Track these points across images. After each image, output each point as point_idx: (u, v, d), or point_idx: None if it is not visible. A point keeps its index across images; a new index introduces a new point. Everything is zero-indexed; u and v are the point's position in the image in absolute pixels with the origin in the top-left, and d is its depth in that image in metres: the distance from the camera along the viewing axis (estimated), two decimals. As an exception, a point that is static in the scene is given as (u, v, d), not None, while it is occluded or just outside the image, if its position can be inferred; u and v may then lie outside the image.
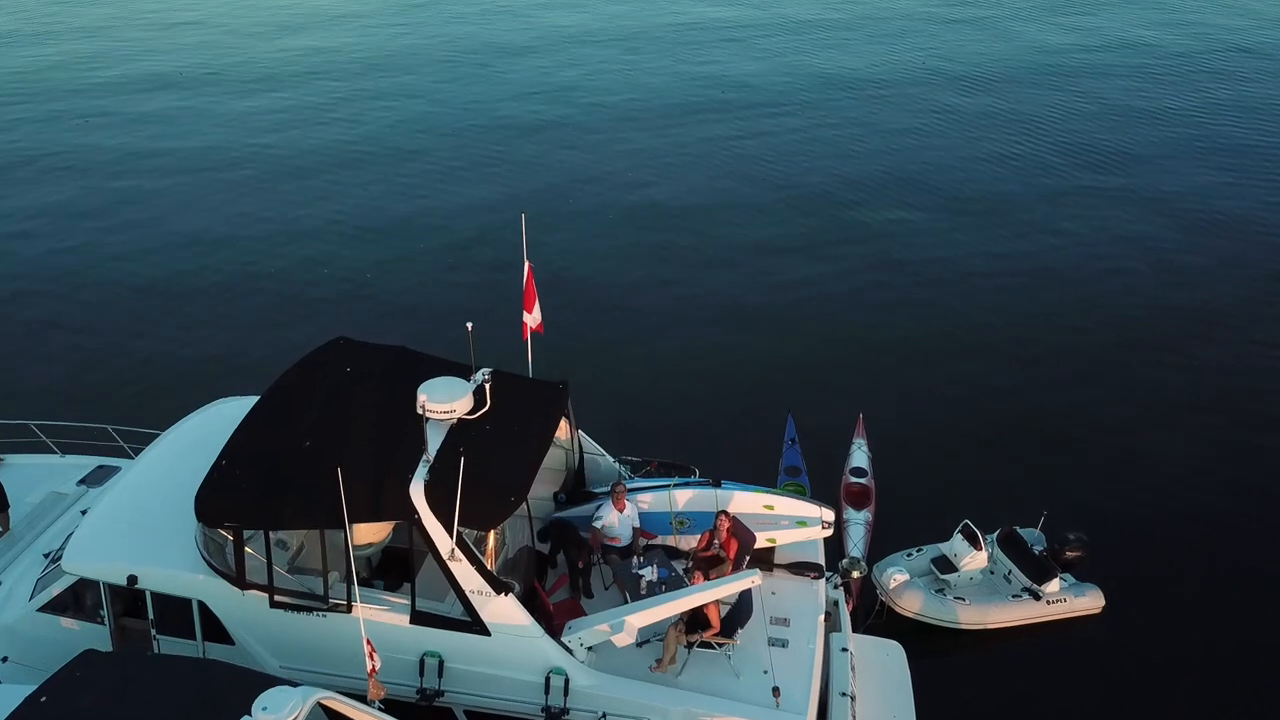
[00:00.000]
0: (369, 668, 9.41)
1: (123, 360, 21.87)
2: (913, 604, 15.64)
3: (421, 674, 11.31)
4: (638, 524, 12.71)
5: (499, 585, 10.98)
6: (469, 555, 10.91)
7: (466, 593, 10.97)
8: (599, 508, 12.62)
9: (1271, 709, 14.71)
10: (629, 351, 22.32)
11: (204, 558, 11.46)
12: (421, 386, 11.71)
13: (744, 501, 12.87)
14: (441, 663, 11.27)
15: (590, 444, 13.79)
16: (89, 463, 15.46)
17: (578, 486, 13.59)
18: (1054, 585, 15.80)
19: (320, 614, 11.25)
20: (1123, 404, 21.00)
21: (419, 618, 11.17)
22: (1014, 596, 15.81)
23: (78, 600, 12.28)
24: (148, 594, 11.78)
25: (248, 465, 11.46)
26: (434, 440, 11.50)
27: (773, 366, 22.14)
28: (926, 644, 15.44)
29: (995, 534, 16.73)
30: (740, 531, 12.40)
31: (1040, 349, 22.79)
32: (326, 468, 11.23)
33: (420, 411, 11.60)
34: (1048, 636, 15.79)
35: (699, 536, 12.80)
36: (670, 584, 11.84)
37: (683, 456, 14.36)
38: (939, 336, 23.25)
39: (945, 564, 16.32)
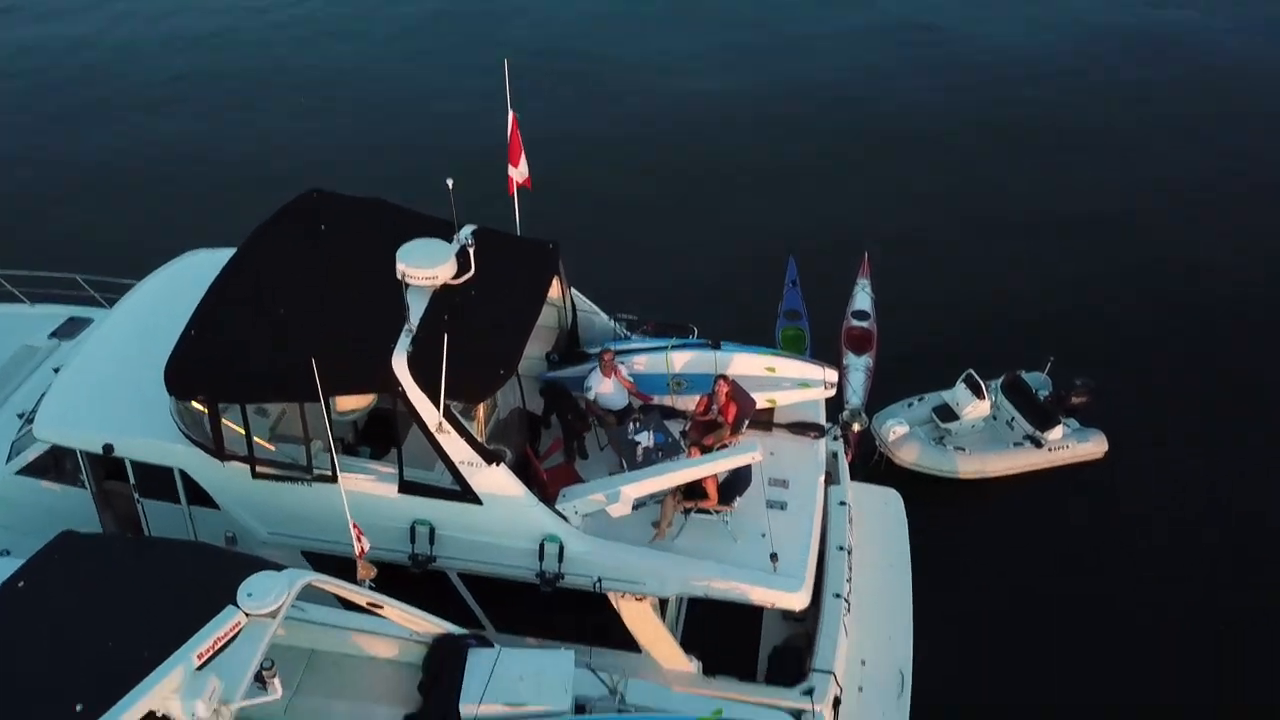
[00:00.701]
0: (356, 550, 9.13)
1: (89, 207, 20.78)
2: (910, 455, 15.45)
3: (413, 540, 11.12)
4: (631, 387, 12.25)
5: (489, 456, 10.59)
6: (457, 427, 10.46)
7: (456, 464, 10.60)
8: (588, 376, 12.10)
9: (1271, 555, 14.75)
10: (623, 205, 21.08)
11: (180, 429, 11.03)
12: (400, 251, 10.92)
13: (744, 364, 12.33)
14: (433, 530, 11.04)
15: (583, 301, 13.11)
16: (60, 313, 14.82)
17: (570, 346, 13.01)
18: (1056, 433, 15.56)
19: (305, 483, 10.94)
20: (1140, 249, 20.18)
21: (407, 487, 10.84)
22: (1015, 444, 15.60)
23: (56, 464, 11.95)
24: (127, 461, 11.45)
25: (219, 334, 10.83)
26: (416, 308, 10.82)
27: (774, 208, 21.19)
28: (925, 493, 15.31)
29: (999, 380, 16.36)
30: (739, 396, 11.91)
31: (1052, 198, 21.76)
32: (303, 337, 10.62)
33: (400, 278, 10.88)
34: (1048, 483, 15.71)
35: (696, 399, 12.37)
36: (667, 449, 11.47)
37: (681, 315, 13.74)
38: (949, 176, 22.18)
39: (946, 412, 16.03)
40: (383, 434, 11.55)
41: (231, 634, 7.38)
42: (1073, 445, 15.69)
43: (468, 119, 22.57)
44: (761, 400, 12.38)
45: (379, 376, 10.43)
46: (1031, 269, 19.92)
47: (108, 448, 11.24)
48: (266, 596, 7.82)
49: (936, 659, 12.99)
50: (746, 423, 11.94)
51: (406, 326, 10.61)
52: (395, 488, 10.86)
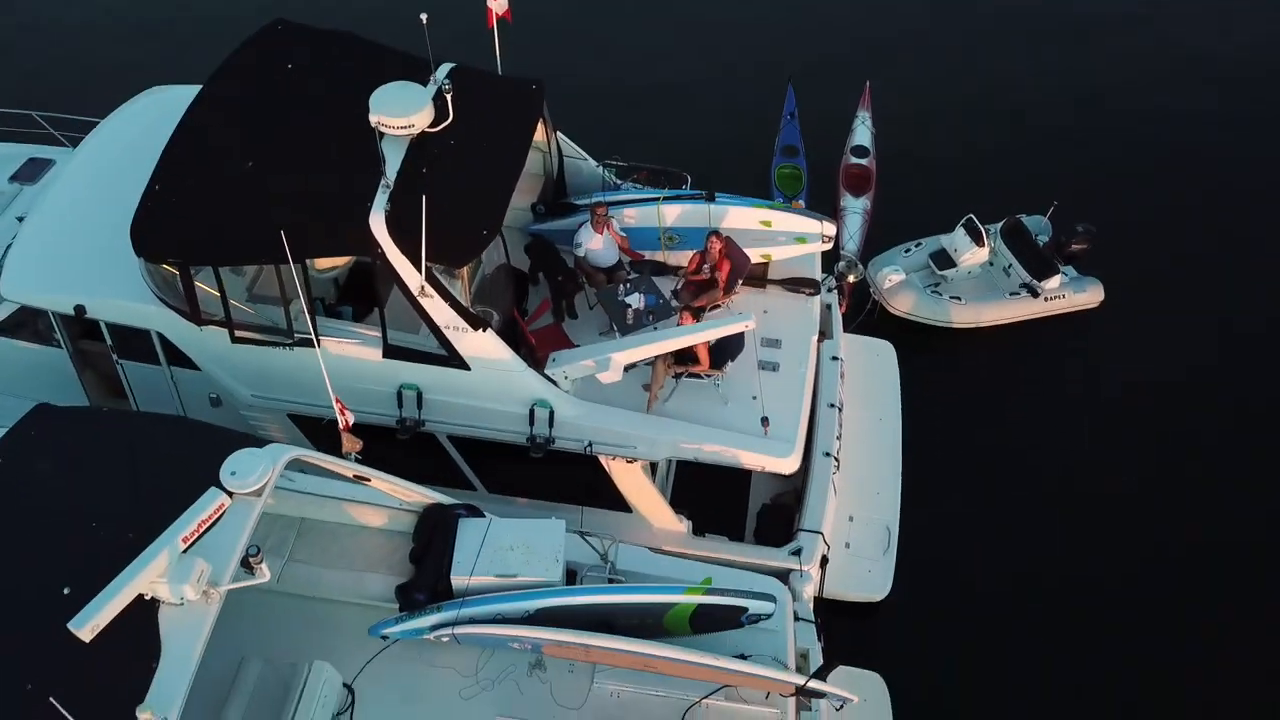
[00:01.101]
0: (340, 424, 8.91)
1: (42, 43, 19.21)
2: (905, 304, 15.14)
3: (400, 405, 10.93)
4: (623, 243, 11.77)
5: (475, 320, 10.25)
6: (440, 291, 10.05)
7: (440, 328, 10.26)
8: (578, 231, 11.58)
9: (1261, 418, 14.76)
10: (611, 39, 19.53)
11: (153, 291, 10.59)
12: (373, 98, 10.15)
13: (739, 217, 11.82)
14: (420, 394, 10.85)
15: (570, 146, 12.42)
16: (18, 154, 13.98)
17: (557, 195, 12.43)
18: (1054, 282, 15.22)
19: (286, 347, 10.62)
20: (1155, 93, 19.05)
21: (391, 352, 10.55)
22: (1011, 294, 15.28)
23: (29, 324, 11.56)
24: (101, 323, 11.07)
25: (185, 190, 10.21)
26: (392, 160, 10.18)
27: (773, 36, 19.83)
28: (918, 342, 15.12)
29: (999, 224, 15.87)
30: (733, 253, 11.48)
31: (1070, 30, 20.30)
32: (273, 195, 10.04)
33: (374, 127, 10.18)
34: (1042, 331, 15.47)
35: (689, 255, 11.93)
36: (658, 311, 11.14)
37: (675, 159, 13.07)
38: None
39: (944, 259, 15.61)
40: (365, 291, 11.15)
41: (216, 515, 7.26)
42: (1069, 295, 15.38)
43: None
44: (756, 255, 11.96)
45: (357, 238, 9.93)
46: (1043, 105, 18.89)
47: (79, 309, 10.83)
48: (250, 475, 7.65)
49: (924, 514, 13.20)
50: (740, 281, 11.60)
51: (383, 182, 10.01)
52: (379, 352, 10.57)
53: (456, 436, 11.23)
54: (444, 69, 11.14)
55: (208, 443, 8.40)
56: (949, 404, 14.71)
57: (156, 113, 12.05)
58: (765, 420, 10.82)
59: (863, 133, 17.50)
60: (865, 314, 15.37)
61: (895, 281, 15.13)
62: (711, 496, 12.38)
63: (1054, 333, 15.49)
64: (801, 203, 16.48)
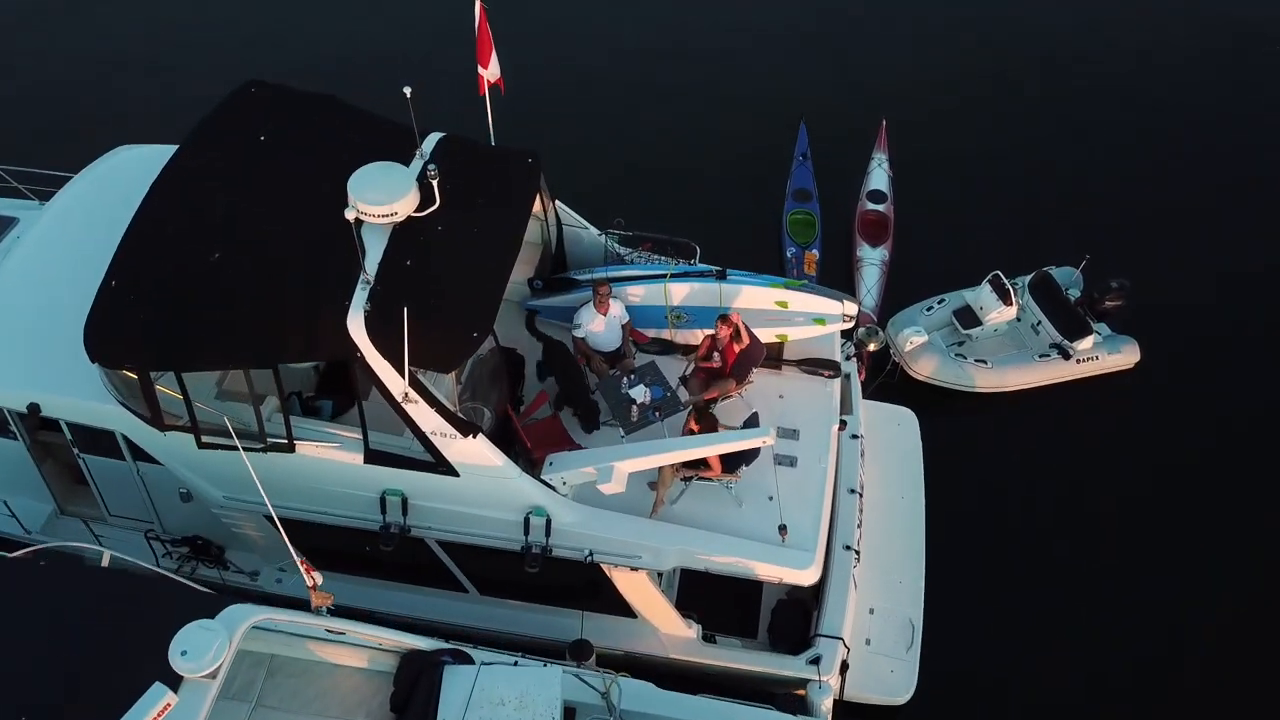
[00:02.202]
0: (308, 582, 8.02)
1: (6, 93, 18.08)
2: (927, 367, 14.19)
3: (384, 511, 10.05)
4: (626, 323, 10.85)
5: (465, 427, 9.34)
6: (425, 396, 9.14)
7: (427, 435, 9.37)
8: (578, 312, 10.66)
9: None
10: (610, 97, 18.05)
11: (112, 394, 9.69)
12: (351, 181, 9.21)
13: (753, 297, 10.88)
14: (405, 500, 9.97)
15: (570, 215, 11.50)
16: None
17: (556, 268, 11.54)
18: (1086, 343, 14.26)
19: (259, 452, 9.73)
20: (1194, 139, 17.83)
21: (374, 457, 9.65)
22: (1041, 356, 14.32)
23: (-16, 414, 10.72)
24: (60, 420, 10.19)
25: (143, 287, 9.28)
26: (372, 251, 9.26)
27: (783, 71, 18.64)
28: (940, 407, 14.18)
29: (1028, 277, 14.92)
30: (745, 338, 10.56)
31: (1102, 59, 19.10)
32: (240, 292, 9.12)
33: (352, 213, 9.26)
34: (1072, 394, 14.48)
35: (698, 335, 11.02)
36: (665, 406, 10.22)
37: (681, 224, 12.09)
38: (985, 26, 19.64)
39: (968, 317, 14.64)
40: (347, 382, 10.24)
41: (162, 713, 6.37)
42: (1103, 356, 14.42)
43: (428, 8, 19.25)
44: (770, 335, 11.05)
45: (333, 340, 9.00)
46: (1074, 149, 17.70)
47: (34, 408, 9.94)
48: (203, 655, 6.78)
49: (949, 602, 12.29)
50: (754, 369, 10.67)
51: (362, 278, 9.09)
52: (360, 457, 9.68)
53: (448, 543, 10.36)
54: (431, 140, 10.21)
55: (158, 607, 7.45)
56: (974, 477, 13.74)
57: (124, 177, 11.15)
58: (783, 528, 9.92)
59: (879, 176, 16.54)
60: (885, 375, 14.42)
61: (917, 344, 14.18)
62: (722, 590, 11.47)
63: (1085, 396, 14.51)
64: (815, 254, 15.57)
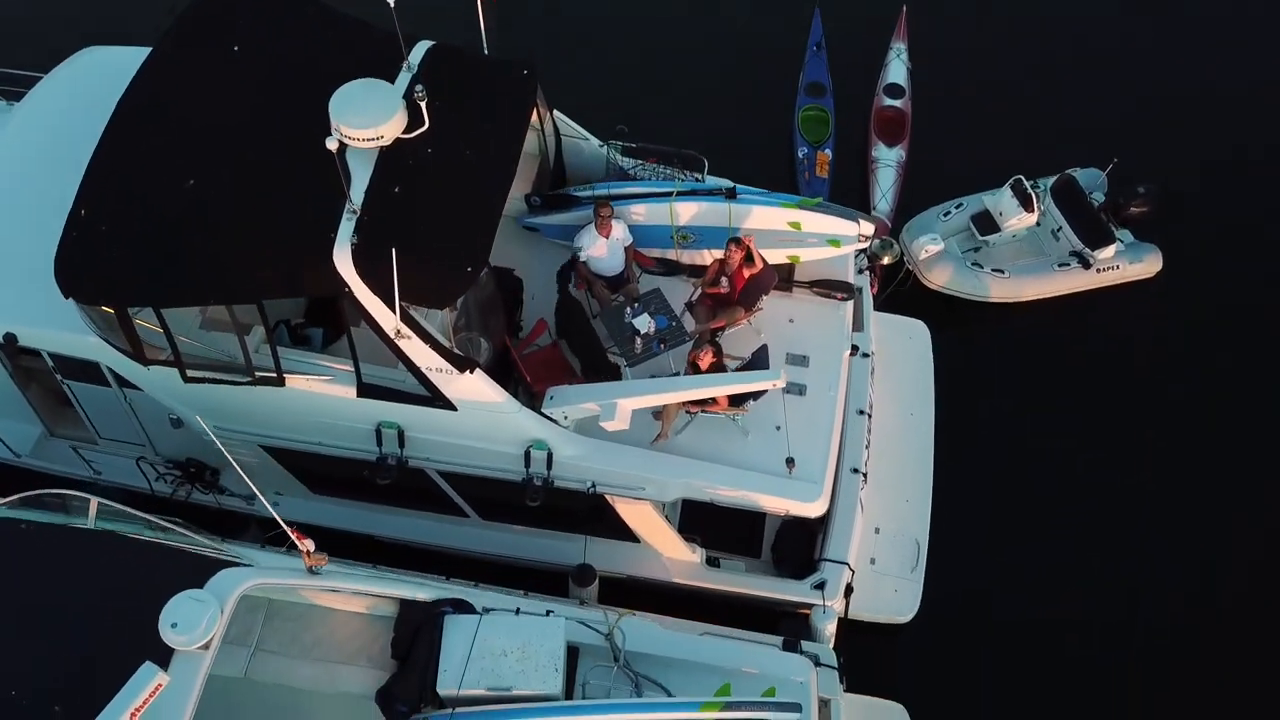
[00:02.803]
0: (300, 548, 7.72)
1: None
2: (941, 277, 13.64)
3: (380, 443, 9.76)
4: (629, 245, 10.30)
5: (461, 362, 8.95)
6: (419, 331, 8.71)
7: (422, 370, 8.98)
8: (579, 234, 10.10)
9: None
10: (612, 17, 16.46)
11: (91, 328, 9.24)
12: (333, 102, 8.55)
13: (763, 217, 10.29)
14: (401, 432, 9.66)
15: (569, 125, 10.80)
16: None
17: (555, 182, 10.91)
18: (1108, 251, 13.66)
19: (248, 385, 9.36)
20: (1237, 34, 16.58)
21: (367, 390, 9.29)
22: (1060, 265, 13.74)
23: (-42, 338, 10.30)
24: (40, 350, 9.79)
25: (116, 217, 8.72)
26: (358, 178, 8.66)
27: None
28: (953, 317, 13.73)
29: (1051, 180, 14.21)
30: (756, 263, 10.04)
31: None
32: (218, 223, 8.57)
33: (335, 136, 8.61)
34: (1090, 304, 13.97)
35: (705, 255, 10.49)
36: (670, 336, 9.80)
37: (688, 112, 11.16)
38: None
39: (987, 222, 14.00)
40: (335, 312, 9.80)
41: (153, 694, 6.19)
42: (1124, 265, 13.83)
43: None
44: (782, 256, 10.55)
45: (320, 276, 8.50)
46: (1107, 42, 16.48)
47: (10, 337, 9.52)
48: (194, 627, 6.56)
49: (955, 523, 12.13)
50: (764, 296, 10.20)
51: (348, 207, 8.52)
52: (353, 390, 9.31)
53: (449, 473, 10.11)
54: (419, 50, 9.44)
55: (147, 575, 7.18)
56: (985, 391, 13.40)
57: (94, 82, 10.41)
58: (790, 461, 9.64)
59: (897, 68, 15.59)
60: (897, 283, 13.91)
61: (933, 252, 13.59)
62: (726, 509, 11.32)
63: (1103, 306, 14.00)
64: (828, 154, 14.82)
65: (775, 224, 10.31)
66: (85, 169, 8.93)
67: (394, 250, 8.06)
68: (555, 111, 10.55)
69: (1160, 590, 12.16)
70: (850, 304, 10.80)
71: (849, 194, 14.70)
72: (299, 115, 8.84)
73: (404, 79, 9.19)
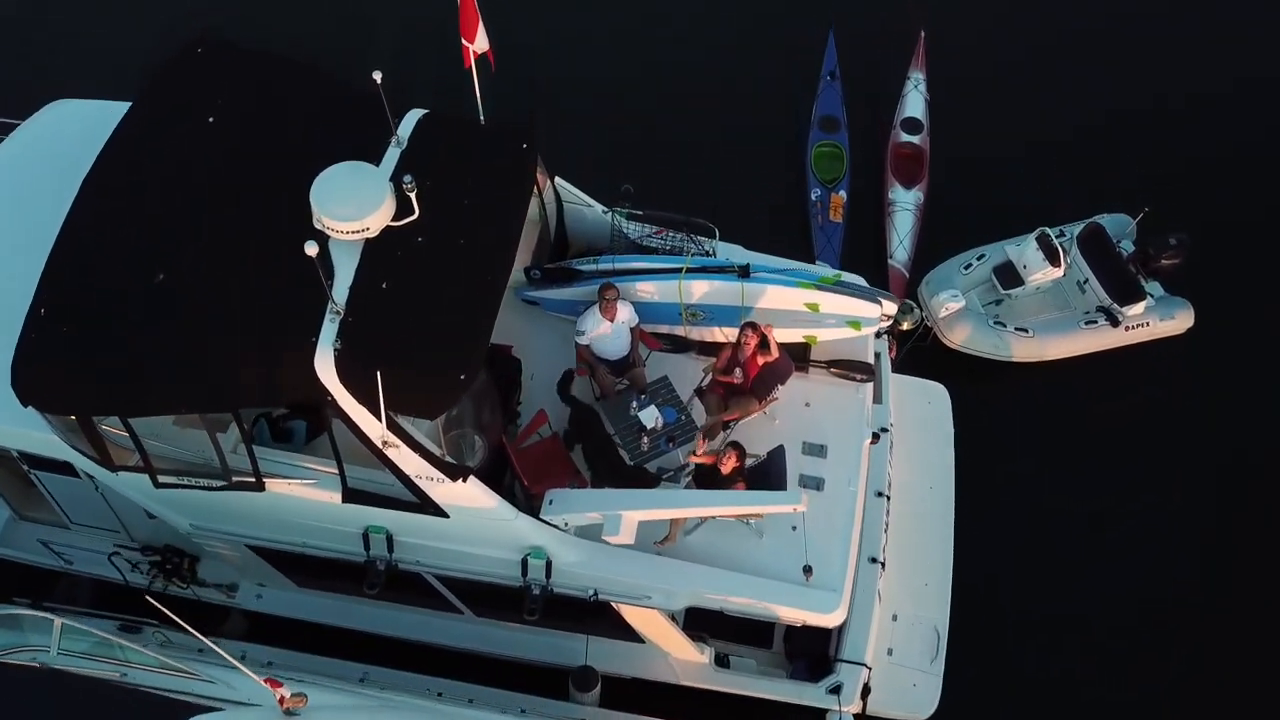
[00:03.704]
0: (276, 698, 7.06)
1: None
2: (962, 335, 12.92)
3: (367, 546, 9.08)
4: (635, 326, 9.57)
5: (453, 471, 8.25)
6: (407, 440, 8.01)
7: (410, 478, 8.28)
8: (582, 317, 9.36)
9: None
10: (612, 67, 15.38)
11: (54, 432, 8.51)
12: (315, 188, 7.79)
13: (779, 297, 9.54)
14: (390, 536, 8.98)
15: (571, 191, 10.05)
16: None
17: (556, 252, 10.17)
18: (1138, 308, 12.95)
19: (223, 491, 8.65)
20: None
21: (353, 496, 8.59)
22: (1087, 322, 13.01)
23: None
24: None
25: (78, 315, 7.93)
26: (342, 272, 7.91)
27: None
28: (973, 377, 13.03)
29: (1077, 228, 13.47)
30: (773, 350, 9.34)
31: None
32: (190, 322, 7.83)
33: (317, 227, 7.86)
34: (1116, 363, 13.26)
35: (717, 332, 9.78)
36: (678, 432, 9.08)
37: (695, 154, 10.34)
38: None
39: (1010, 274, 13.26)
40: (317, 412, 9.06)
41: None
42: (1154, 322, 13.11)
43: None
44: (798, 335, 9.83)
45: (300, 383, 7.77)
46: (1135, 79, 15.51)
47: None
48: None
49: (981, 610, 11.39)
50: (780, 386, 9.50)
51: (330, 308, 7.79)
52: (338, 496, 8.61)
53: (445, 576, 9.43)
54: (410, 121, 8.65)
55: None
56: (1007, 455, 12.70)
57: (64, 138, 9.66)
58: (808, 569, 8.96)
59: (915, 101, 14.82)
60: (915, 340, 13.23)
61: (953, 309, 12.88)
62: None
63: (1132, 364, 13.28)
64: (843, 196, 14.06)
65: (791, 304, 9.57)
66: (47, 258, 8.16)
67: (379, 366, 7.37)
68: (556, 178, 9.81)
69: (1201, 673, 11.50)
70: (870, 385, 10.11)
71: (864, 239, 14.02)
72: (279, 198, 8.08)
73: (392, 155, 8.44)
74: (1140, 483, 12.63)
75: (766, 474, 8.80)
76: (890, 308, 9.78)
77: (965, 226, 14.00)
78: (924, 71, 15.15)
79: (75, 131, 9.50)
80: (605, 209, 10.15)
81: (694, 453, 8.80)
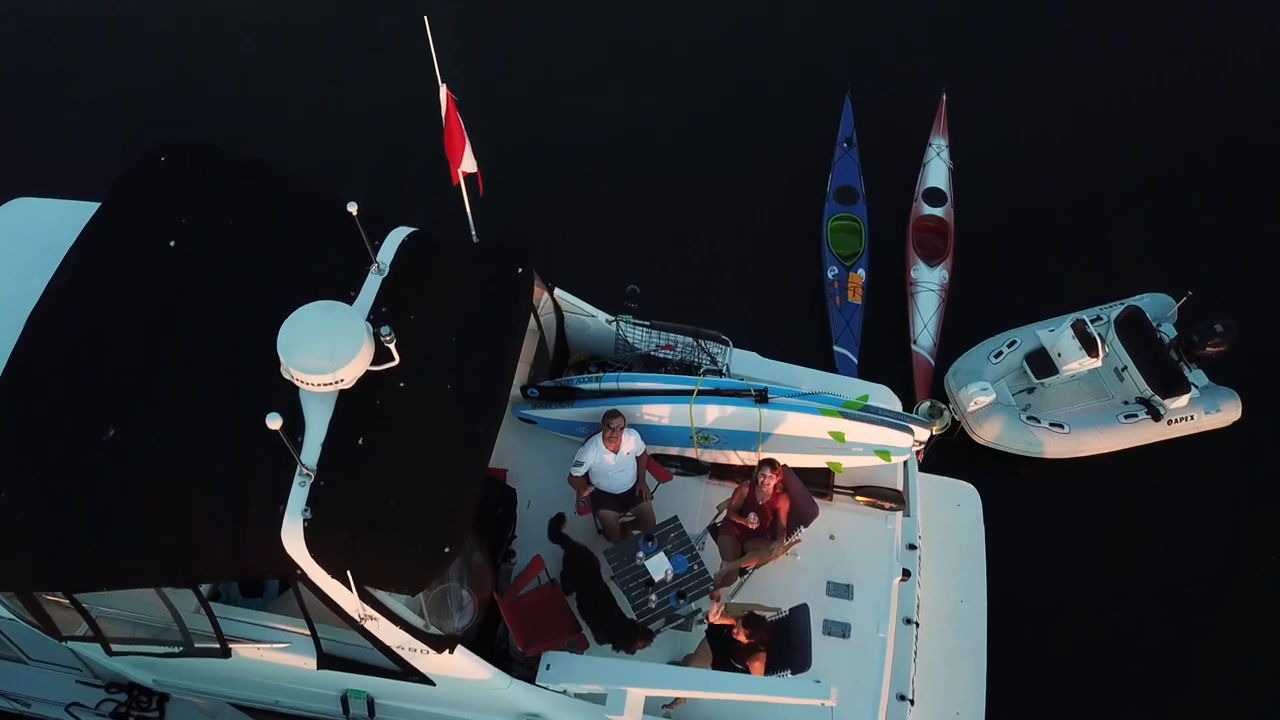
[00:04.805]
0: None
1: None
2: (992, 431, 12.04)
3: (346, 711, 8.22)
4: (643, 455, 8.70)
5: (439, 643, 7.39)
6: (386, 614, 7.16)
7: (393, 650, 7.43)
8: (583, 447, 8.47)
9: None
10: (609, 155, 14.42)
11: (-8, 599, 7.68)
12: (281, 336, 6.93)
13: (800, 426, 8.65)
14: (371, 701, 8.13)
15: (572, 301, 9.20)
16: None
17: (556, 368, 9.32)
18: (1182, 401, 12.07)
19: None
20: None
21: (329, 662, 7.73)
22: (1127, 417, 12.11)
23: None
24: None
25: (19, 479, 7.07)
26: (314, 427, 7.04)
27: (826, 33, 15.54)
28: (1003, 474, 12.16)
29: (1115, 311, 12.59)
30: (794, 491, 8.48)
31: (1227, 52, 15.51)
32: (142, 488, 6.97)
33: (285, 377, 7.02)
34: (1159, 457, 12.34)
35: (732, 455, 8.91)
36: (690, 588, 8.19)
37: (706, 300, 9.73)
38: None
39: (1043, 362, 12.37)
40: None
41: None
42: (1198, 415, 12.24)
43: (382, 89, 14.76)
44: (820, 462, 8.96)
45: (268, 557, 6.90)
46: (1175, 148, 14.56)
47: None
48: None
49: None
50: (804, 528, 8.63)
51: (299, 470, 6.94)
52: (313, 662, 7.75)
53: None
54: (393, 243, 7.80)
55: None
56: (1040, 564, 11.76)
57: (20, 239, 8.85)
58: (832, 728, 8.11)
59: (937, 169, 13.95)
60: (943, 432, 12.34)
61: (983, 404, 11.98)
62: None
63: (1174, 458, 12.39)
64: (861, 275, 13.18)
65: (815, 433, 8.69)
66: None
67: (354, 538, 6.53)
68: (556, 290, 8.96)
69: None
70: (899, 515, 9.23)
71: (886, 322, 13.15)
72: (243, 341, 7.25)
73: (373, 284, 7.60)
74: (1185, 589, 11.70)
75: (789, 636, 7.91)
76: (923, 434, 8.89)
77: (993, 306, 13.14)
78: (946, 137, 14.29)
79: (32, 233, 8.70)
80: (609, 318, 9.31)
81: (707, 615, 7.93)
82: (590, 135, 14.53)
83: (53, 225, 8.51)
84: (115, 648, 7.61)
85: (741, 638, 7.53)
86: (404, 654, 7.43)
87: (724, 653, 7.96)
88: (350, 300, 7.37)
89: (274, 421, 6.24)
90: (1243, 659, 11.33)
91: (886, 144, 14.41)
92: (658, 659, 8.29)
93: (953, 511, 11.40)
